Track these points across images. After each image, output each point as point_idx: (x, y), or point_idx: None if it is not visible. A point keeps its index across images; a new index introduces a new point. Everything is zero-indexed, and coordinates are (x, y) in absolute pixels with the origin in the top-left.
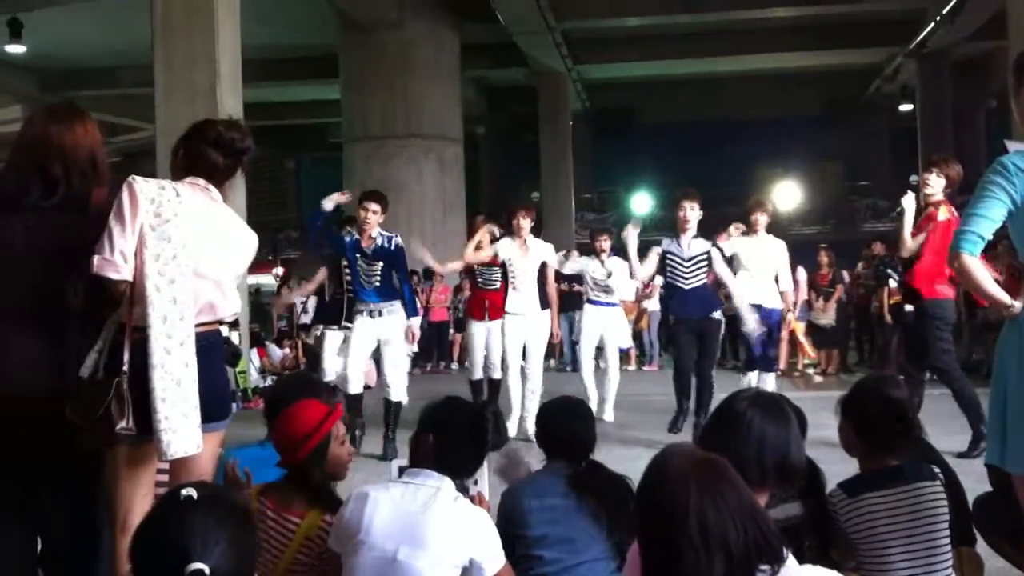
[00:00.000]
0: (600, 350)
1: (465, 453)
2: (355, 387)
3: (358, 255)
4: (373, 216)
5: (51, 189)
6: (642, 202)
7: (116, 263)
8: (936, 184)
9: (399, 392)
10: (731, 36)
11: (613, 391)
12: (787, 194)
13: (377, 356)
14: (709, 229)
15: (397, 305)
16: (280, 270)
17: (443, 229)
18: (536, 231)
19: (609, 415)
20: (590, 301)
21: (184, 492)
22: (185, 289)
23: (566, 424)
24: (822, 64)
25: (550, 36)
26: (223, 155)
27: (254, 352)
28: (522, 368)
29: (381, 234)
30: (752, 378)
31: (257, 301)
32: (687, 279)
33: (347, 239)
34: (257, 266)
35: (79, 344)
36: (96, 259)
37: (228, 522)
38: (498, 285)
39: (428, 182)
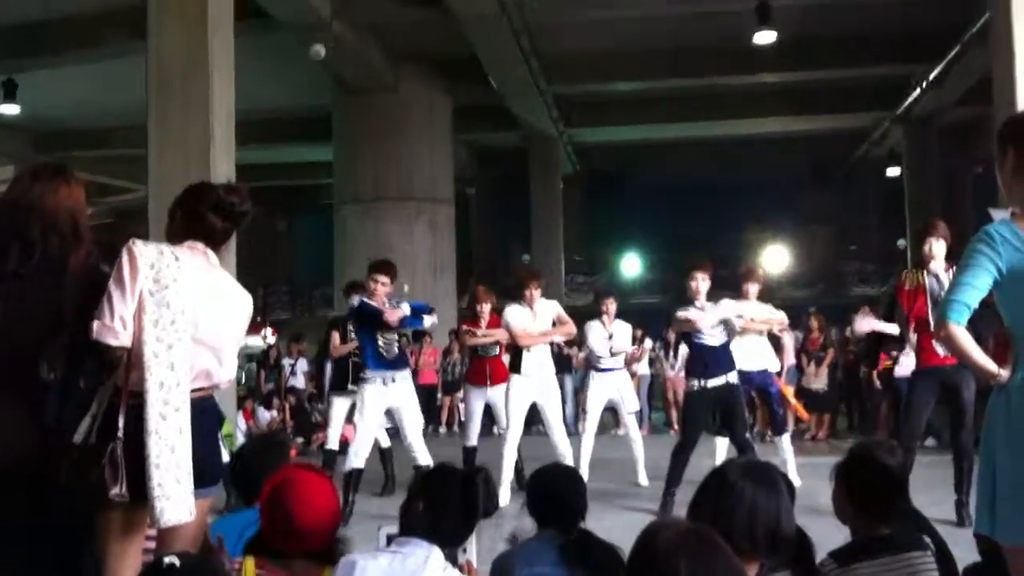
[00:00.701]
0: (610, 411)
1: (456, 521)
2: (359, 461)
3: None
4: (382, 288)
5: (28, 253)
6: (632, 264)
7: (115, 329)
8: (940, 250)
9: (425, 455)
10: (720, 100)
11: (641, 454)
12: (776, 257)
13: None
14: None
15: (407, 372)
16: (269, 331)
17: (434, 290)
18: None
19: (644, 479)
20: (597, 368)
21: (167, 560)
22: (183, 355)
23: (557, 491)
24: (811, 128)
25: (541, 100)
26: (222, 219)
27: (240, 415)
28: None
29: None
30: (719, 442)
31: (243, 363)
32: (708, 336)
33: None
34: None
35: (60, 410)
36: (96, 324)
37: None
38: (497, 351)
39: (419, 243)
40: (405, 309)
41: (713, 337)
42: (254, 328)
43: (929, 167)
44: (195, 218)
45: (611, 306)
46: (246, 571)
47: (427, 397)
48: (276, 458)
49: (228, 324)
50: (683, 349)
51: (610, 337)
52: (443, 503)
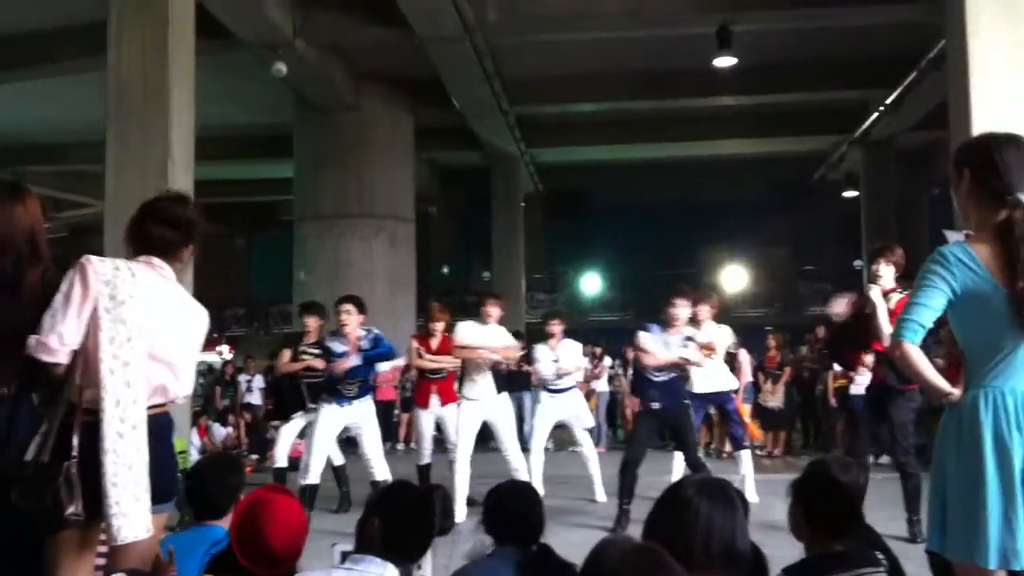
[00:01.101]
0: (559, 427)
1: (412, 538)
2: (314, 477)
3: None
4: (346, 316)
5: None
6: (592, 283)
7: (50, 345)
8: (887, 273)
9: (383, 471)
10: (681, 122)
11: (597, 471)
12: (735, 277)
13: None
14: (658, 309)
15: (368, 399)
16: (226, 348)
17: (393, 308)
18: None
19: (601, 495)
20: (546, 389)
21: None
22: (139, 372)
23: (515, 508)
24: (770, 151)
25: (504, 120)
26: (171, 229)
27: (194, 431)
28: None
29: (364, 333)
30: (677, 458)
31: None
32: (659, 372)
33: (336, 349)
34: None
35: (9, 427)
36: (32, 340)
37: None
38: (445, 373)
39: (379, 261)
40: (353, 360)
41: (660, 376)
42: (210, 344)
43: (886, 190)
44: (146, 232)
45: (556, 328)
46: None
47: (385, 413)
48: (230, 475)
49: (184, 339)
50: None
51: (556, 360)
52: (399, 520)
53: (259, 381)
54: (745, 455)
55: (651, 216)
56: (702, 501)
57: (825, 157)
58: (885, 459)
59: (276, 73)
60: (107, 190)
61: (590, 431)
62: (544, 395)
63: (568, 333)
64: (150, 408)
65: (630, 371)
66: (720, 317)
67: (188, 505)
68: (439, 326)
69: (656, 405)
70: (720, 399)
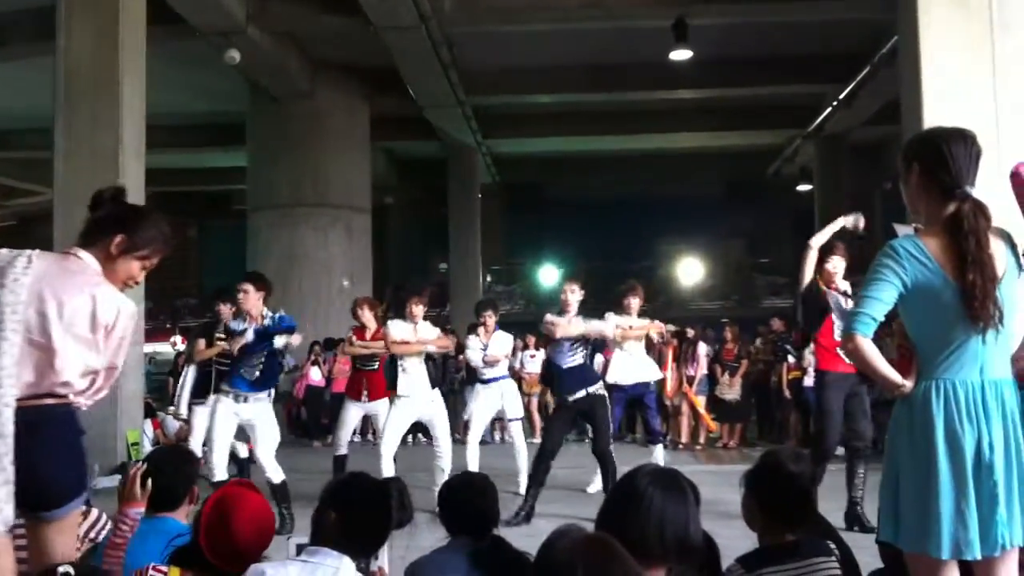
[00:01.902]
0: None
1: (369, 531)
2: (220, 473)
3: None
4: (242, 296)
5: None
6: (549, 275)
7: None
8: (841, 266)
9: (276, 472)
10: (639, 115)
11: (524, 463)
12: (691, 270)
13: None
14: (613, 299)
15: (264, 393)
16: (179, 338)
17: (349, 298)
18: (442, 302)
19: (523, 489)
20: (480, 380)
21: (62, 569)
22: (6, 356)
23: (469, 500)
24: (726, 145)
25: (460, 111)
26: (91, 210)
27: (148, 423)
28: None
29: (269, 315)
30: (657, 450)
31: (152, 370)
32: (567, 357)
33: (237, 327)
34: (154, 334)
35: None
36: None
37: None
38: (376, 365)
39: (335, 251)
40: (248, 335)
41: (573, 360)
42: (162, 335)
43: (839, 183)
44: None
45: (489, 319)
46: None
47: (341, 406)
48: (183, 467)
49: (72, 328)
50: (598, 358)
51: (485, 348)
52: (356, 513)
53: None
54: (658, 449)
55: (608, 209)
56: (655, 492)
57: (780, 151)
58: (839, 450)
59: (229, 61)
60: (56, 178)
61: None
62: (478, 387)
63: (526, 325)
64: (26, 399)
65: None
66: (675, 309)
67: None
68: (368, 314)
69: (570, 398)
70: (638, 390)
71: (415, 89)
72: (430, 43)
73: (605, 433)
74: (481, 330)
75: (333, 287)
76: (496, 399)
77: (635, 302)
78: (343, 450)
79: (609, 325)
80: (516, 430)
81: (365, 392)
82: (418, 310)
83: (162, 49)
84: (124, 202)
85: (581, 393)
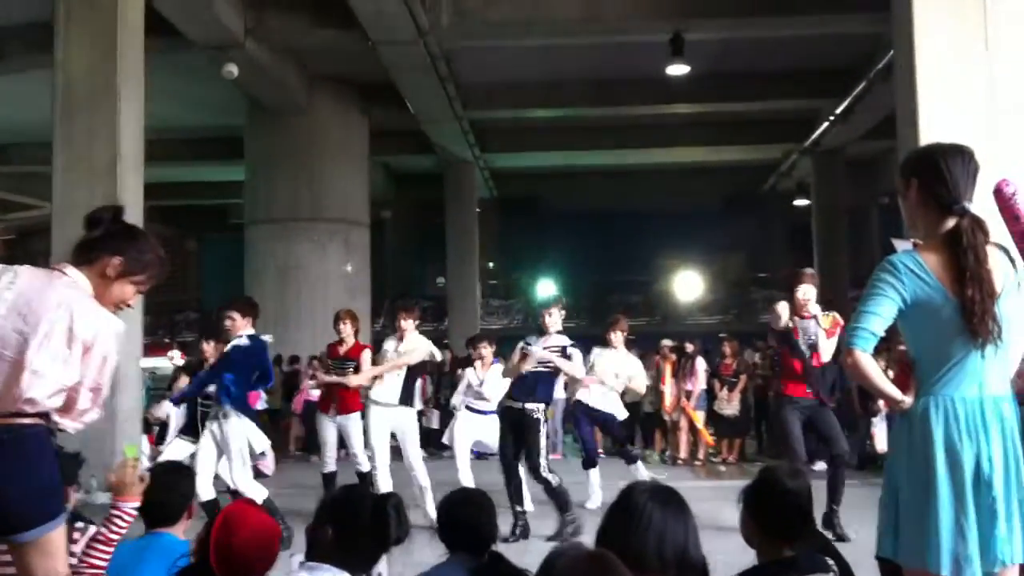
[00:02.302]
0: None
1: (366, 547)
2: (205, 494)
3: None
4: (229, 323)
5: None
6: (547, 289)
7: None
8: (811, 293)
9: (254, 490)
10: (636, 130)
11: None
12: (689, 284)
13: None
14: (611, 313)
15: (230, 419)
16: (177, 353)
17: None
18: (440, 317)
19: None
20: (468, 407)
21: None
22: None
23: (467, 516)
24: (723, 159)
25: (458, 125)
26: (86, 228)
27: (145, 439)
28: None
29: (244, 337)
30: (641, 469)
31: (151, 385)
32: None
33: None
34: (153, 348)
35: None
36: None
37: None
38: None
39: (332, 265)
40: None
41: (535, 367)
42: (161, 349)
43: (836, 198)
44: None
45: (484, 350)
46: None
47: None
48: (181, 483)
49: (49, 344)
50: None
51: (480, 384)
52: (353, 529)
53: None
54: (639, 466)
55: (605, 223)
56: (654, 508)
57: (777, 166)
58: (822, 466)
59: (227, 75)
60: (54, 191)
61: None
62: (464, 413)
63: (496, 358)
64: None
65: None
66: (673, 323)
67: (139, 513)
68: (348, 329)
69: (507, 402)
70: (605, 417)
71: (413, 103)
72: (428, 58)
73: (535, 456)
74: (478, 364)
75: (330, 301)
76: (477, 431)
77: (618, 336)
78: (331, 467)
79: (579, 369)
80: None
81: (334, 406)
82: (407, 324)
83: (160, 62)
84: (123, 222)
85: (517, 404)
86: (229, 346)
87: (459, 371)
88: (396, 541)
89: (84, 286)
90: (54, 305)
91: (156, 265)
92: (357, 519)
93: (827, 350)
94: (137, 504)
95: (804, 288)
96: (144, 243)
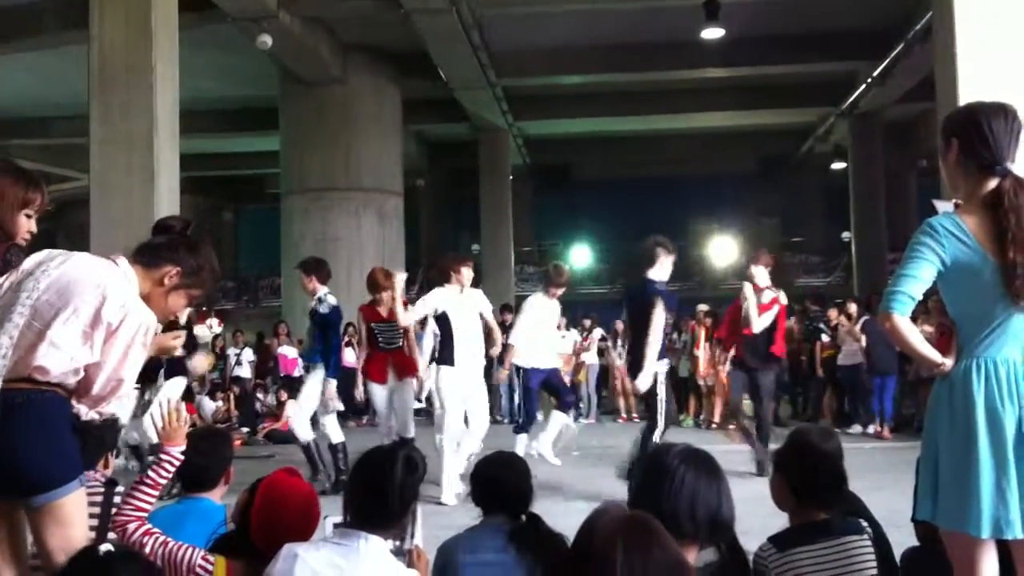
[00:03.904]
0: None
1: (383, 501)
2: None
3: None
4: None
5: None
6: (581, 255)
7: None
8: (762, 275)
9: (302, 429)
10: (669, 95)
11: (456, 468)
12: (723, 249)
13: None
14: None
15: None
16: (215, 320)
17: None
18: (475, 283)
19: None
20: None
21: (103, 548)
22: (4, 336)
23: (504, 477)
24: (758, 123)
25: (491, 93)
26: (154, 232)
27: (183, 406)
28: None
29: (320, 299)
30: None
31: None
32: None
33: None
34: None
35: None
36: None
37: None
38: (400, 343)
39: (367, 234)
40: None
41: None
42: (199, 317)
43: (873, 161)
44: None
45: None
46: (217, 574)
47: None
48: (220, 449)
49: (73, 320)
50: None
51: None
52: (363, 485)
53: (248, 354)
54: (561, 417)
55: (639, 189)
56: (686, 470)
57: (813, 129)
58: (857, 428)
59: (261, 46)
60: (92, 164)
61: (576, 403)
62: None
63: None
64: (14, 382)
65: (620, 343)
66: (708, 288)
67: (177, 478)
68: (386, 296)
69: None
70: (548, 373)
71: (446, 72)
72: (460, 26)
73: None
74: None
75: (365, 270)
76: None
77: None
78: (410, 432)
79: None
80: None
81: (392, 374)
82: (467, 273)
83: (194, 35)
84: (188, 235)
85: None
86: (316, 313)
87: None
88: (407, 488)
89: (132, 279)
90: (92, 286)
91: (211, 280)
92: (366, 474)
93: (757, 323)
94: (183, 448)
95: (754, 269)
96: (204, 258)
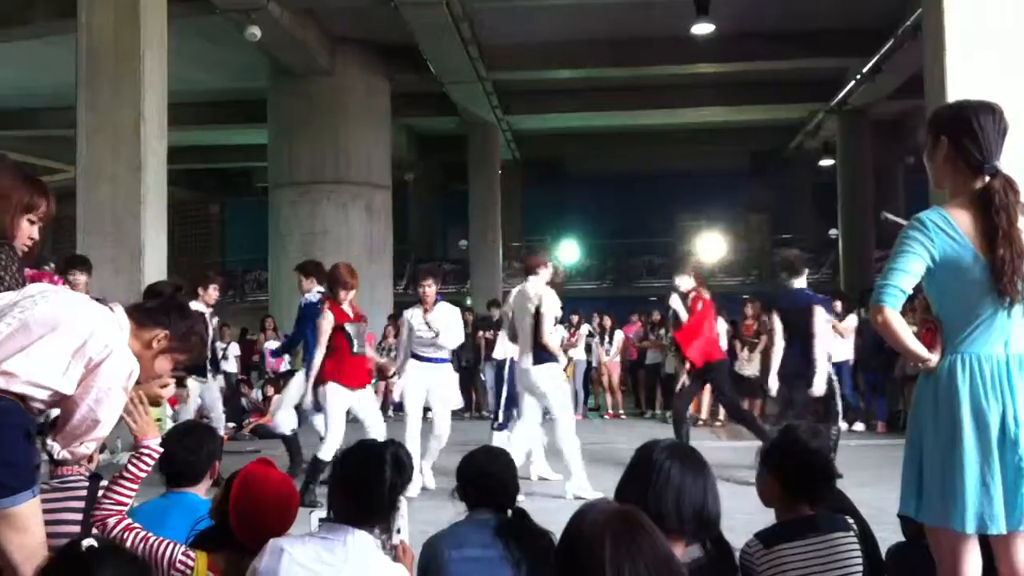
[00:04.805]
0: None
1: (371, 497)
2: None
3: None
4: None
5: None
6: (570, 251)
7: None
8: (687, 281)
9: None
10: (659, 90)
11: (435, 453)
12: (712, 245)
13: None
14: (634, 276)
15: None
16: None
17: (369, 274)
18: (463, 279)
19: (430, 480)
20: (414, 355)
21: (85, 543)
22: None
23: (489, 472)
24: (747, 119)
25: (481, 87)
26: (145, 297)
27: (165, 401)
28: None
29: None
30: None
31: None
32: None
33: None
34: None
35: None
36: None
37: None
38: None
39: (355, 228)
40: None
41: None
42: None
43: (862, 158)
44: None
45: (429, 289)
46: (198, 570)
47: None
48: (206, 443)
49: (53, 336)
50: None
51: (428, 326)
52: (352, 482)
53: (234, 349)
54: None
55: (628, 184)
56: (673, 465)
57: (802, 126)
58: (859, 426)
59: (250, 37)
60: (79, 156)
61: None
62: (411, 363)
63: (440, 297)
64: None
65: (606, 339)
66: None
67: (161, 473)
68: (351, 295)
69: None
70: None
71: (435, 65)
72: (451, 19)
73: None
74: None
75: (353, 263)
76: (427, 381)
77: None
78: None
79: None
80: (441, 418)
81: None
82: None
83: (183, 26)
84: (179, 299)
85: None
86: (303, 301)
87: (480, 334)
88: (396, 486)
89: (125, 327)
90: (84, 320)
91: (198, 347)
92: (354, 472)
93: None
94: (158, 439)
95: (680, 278)
96: (193, 324)
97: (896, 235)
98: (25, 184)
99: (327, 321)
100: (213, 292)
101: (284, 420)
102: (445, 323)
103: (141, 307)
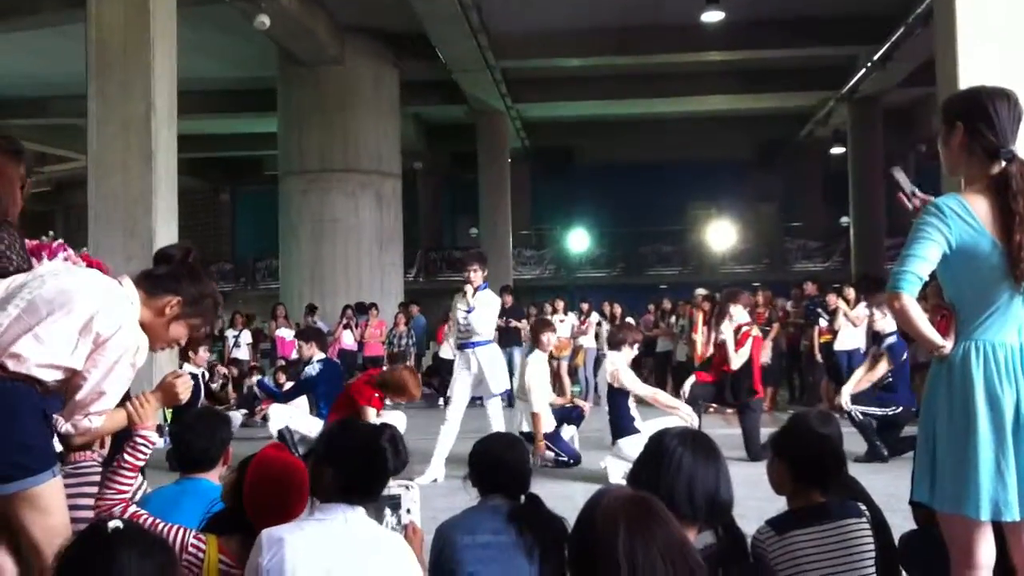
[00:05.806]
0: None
1: (367, 477)
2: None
3: None
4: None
5: None
6: (579, 239)
7: None
8: (741, 314)
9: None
10: (668, 78)
11: (444, 447)
12: (721, 234)
13: None
14: (644, 264)
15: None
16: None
17: (379, 262)
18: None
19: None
20: (459, 346)
21: (111, 524)
22: None
23: (502, 458)
24: (757, 107)
25: (490, 75)
26: (155, 262)
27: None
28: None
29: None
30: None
31: None
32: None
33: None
34: None
35: None
36: None
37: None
38: None
39: (365, 216)
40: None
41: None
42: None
43: (873, 146)
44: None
45: (475, 274)
46: (209, 554)
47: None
48: (217, 429)
49: (59, 315)
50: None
51: (469, 312)
52: (350, 466)
53: (246, 336)
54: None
55: (638, 172)
56: (684, 452)
57: (812, 114)
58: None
59: (259, 26)
60: (89, 144)
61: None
62: (457, 353)
63: (556, 290)
64: None
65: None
66: (706, 273)
67: (174, 459)
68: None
69: None
70: None
71: (444, 54)
72: (459, 7)
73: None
74: (468, 288)
75: (363, 252)
76: (475, 366)
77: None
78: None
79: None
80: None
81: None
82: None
83: (192, 15)
84: (190, 264)
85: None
86: (303, 375)
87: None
88: (394, 471)
89: (134, 300)
90: (91, 296)
91: (212, 310)
92: (352, 456)
93: (734, 359)
94: (154, 430)
95: (729, 306)
96: (205, 287)
97: (905, 210)
98: (16, 155)
99: (369, 415)
100: (203, 354)
101: (275, 419)
102: (482, 305)
103: (151, 275)
